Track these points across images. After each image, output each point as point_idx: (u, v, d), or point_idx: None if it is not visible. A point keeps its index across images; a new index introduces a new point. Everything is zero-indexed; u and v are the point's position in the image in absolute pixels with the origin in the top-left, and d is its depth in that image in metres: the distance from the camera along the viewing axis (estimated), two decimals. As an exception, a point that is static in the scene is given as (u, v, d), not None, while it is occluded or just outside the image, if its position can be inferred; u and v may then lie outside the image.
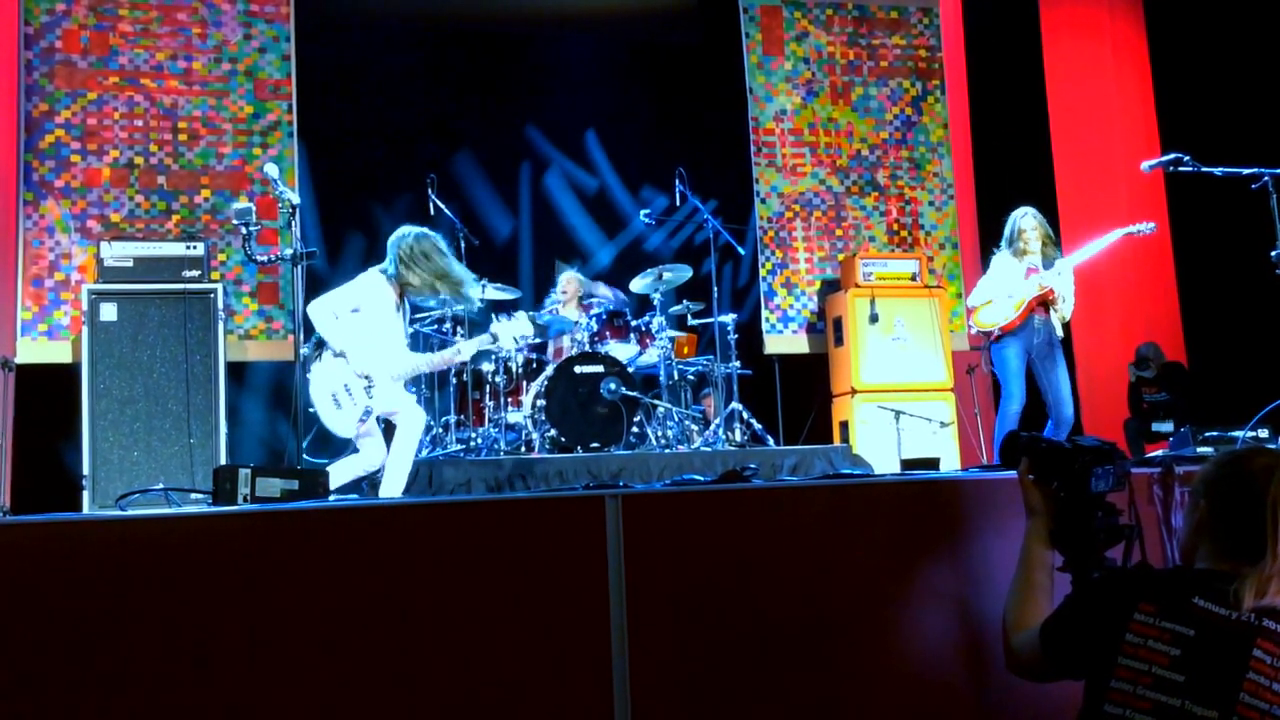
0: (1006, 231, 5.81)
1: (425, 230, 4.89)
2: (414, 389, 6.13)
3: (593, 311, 6.08)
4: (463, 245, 5.38)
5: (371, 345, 4.70)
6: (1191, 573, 2.08)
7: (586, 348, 5.87)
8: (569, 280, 6.61)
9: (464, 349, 4.92)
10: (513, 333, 4.98)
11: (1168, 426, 6.87)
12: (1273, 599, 1.94)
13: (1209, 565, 2.07)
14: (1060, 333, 5.66)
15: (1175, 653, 1.95)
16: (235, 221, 4.48)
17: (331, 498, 3.21)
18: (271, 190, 4.98)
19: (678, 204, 6.37)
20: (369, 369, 4.65)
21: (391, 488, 4.72)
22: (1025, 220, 5.75)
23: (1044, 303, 5.60)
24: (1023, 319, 5.57)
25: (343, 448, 4.84)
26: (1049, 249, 5.73)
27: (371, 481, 4.84)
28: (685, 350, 6.59)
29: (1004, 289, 5.67)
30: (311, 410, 4.63)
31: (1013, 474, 2.43)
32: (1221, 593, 1.97)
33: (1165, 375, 7.23)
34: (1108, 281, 7.48)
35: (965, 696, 2.61)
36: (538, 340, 6.12)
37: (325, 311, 4.62)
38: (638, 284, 6.39)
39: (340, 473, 4.80)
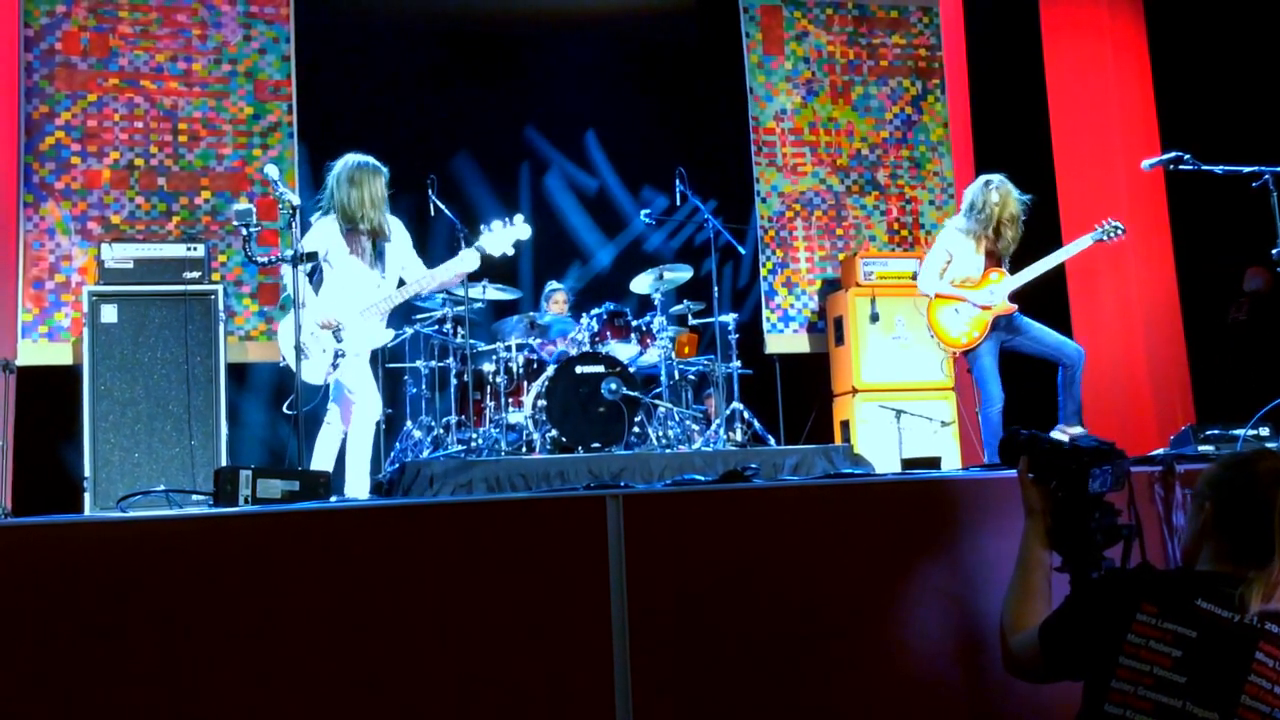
0: (972, 201, 5.42)
1: (366, 160, 4.90)
2: (414, 389, 6.16)
3: (593, 312, 6.09)
4: (462, 245, 5.37)
5: (335, 290, 4.81)
6: (1194, 574, 2.08)
7: (587, 348, 5.87)
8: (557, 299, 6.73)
9: (440, 274, 4.91)
10: (502, 242, 5.01)
11: None
12: (1278, 603, 1.94)
13: (1212, 567, 2.06)
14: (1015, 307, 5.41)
15: (1177, 654, 1.95)
16: (235, 223, 4.47)
17: (333, 498, 3.21)
18: (272, 191, 4.96)
19: (678, 204, 6.36)
20: (337, 315, 4.73)
21: (355, 483, 4.79)
22: (992, 193, 5.35)
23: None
24: (986, 333, 5.37)
25: (313, 396, 4.83)
26: (1012, 230, 5.38)
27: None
28: (686, 350, 6.60)
29: (958, 276, 5.41)
30: (283, 364, 4.72)
31: (1014, 473, 2.42)
32: (1225, 595, 1.96)
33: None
34: (1107, 279, 7.48)
35: (965, 696, 2.61)
36: (537, 340, 6.13)
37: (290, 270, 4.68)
38: (638, 284, 6.40)
39: (324, 455, 4.84)
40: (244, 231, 4.32)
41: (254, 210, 4.39)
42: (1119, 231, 5.48)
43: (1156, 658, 1.96)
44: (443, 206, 5.60)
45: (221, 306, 5.64)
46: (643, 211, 6.68)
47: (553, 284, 6.97)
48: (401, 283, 4.98)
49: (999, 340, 5.41)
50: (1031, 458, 2.36)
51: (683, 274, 6.39)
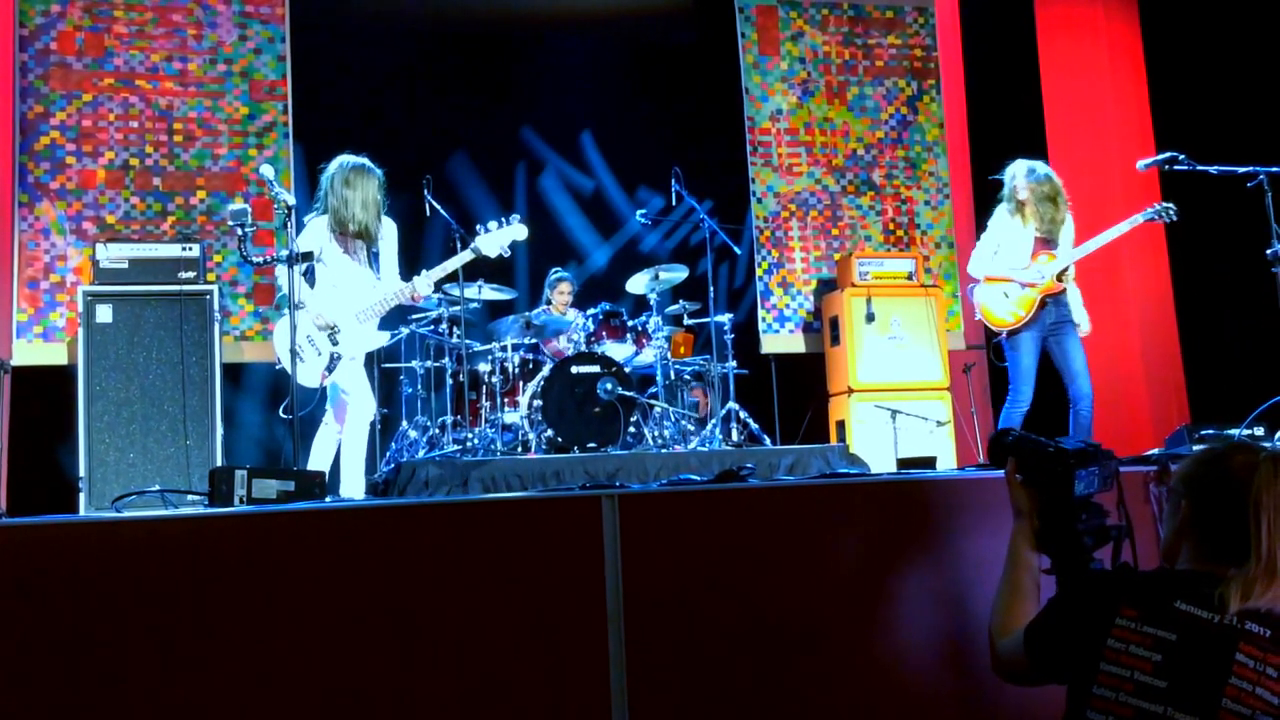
0: (1006, 188, 5.62)
1: (360, 162, 4.91)
2: (409, 389, 6.15)
3: (589, 312, 6.09)
4: (458, 246, 5.37)
5: (329, 290, 4.79)
6: (1173, 575, 2.04)
7: (583, 348, 5.87)
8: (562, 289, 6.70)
9: (431, 275, 4.89)
10: (499, 242, 5.00)
11: None
12: (1258, 601, 1.90)
13: (1191, 567, 2.03)
14: (1073, 308, 5.48)
15: (1157, 658, 1.91)
16: (231, 223, 4.47)
17: (328, 498, 3.21)
18: (267, 191, 4.96)
19: (674, 204, 6.37)
20: (332, 316, 4.74)
21: (351, 483, 4.78)
22: (1020, 178, 5.56)
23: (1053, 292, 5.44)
24: (1034, 314, 5.43)
25: (308, 398, 4.80)
26: (1057, 211, 5.51)
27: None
28: (682, 350, 6.60)
29: (1007, 259, 5.50)
30: (278, 367, 4.71)
31: (1006, 474, 2.42)
32: (1204, 596, 1.93)
33: None
34: (1101, 279, 7.47)
35: (958, 696, 2.62)
36: (533, 341, 6.13)
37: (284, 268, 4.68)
38: (634, 284, 6.40)
39: (321, 455, 4.83)
40: (239, 232, 4.31)
41: (249, 210, 4.38)
42: (1171, 213, 5.53)
43: (1137, 663, 1.92)
44: (439, 207, 5.59)
45: (217, 307, 5.63)
46: (638, 212, 6.68)
47: (558, 271, 6.85)
48: (407, 277, 4.98)
49: (1041, 336, 5.47)
50: (1019, 459, 2.36)
51: (678, 274, 6.40)
